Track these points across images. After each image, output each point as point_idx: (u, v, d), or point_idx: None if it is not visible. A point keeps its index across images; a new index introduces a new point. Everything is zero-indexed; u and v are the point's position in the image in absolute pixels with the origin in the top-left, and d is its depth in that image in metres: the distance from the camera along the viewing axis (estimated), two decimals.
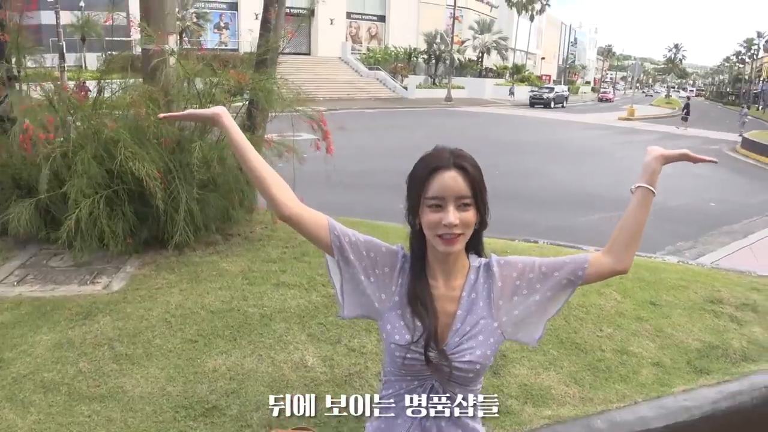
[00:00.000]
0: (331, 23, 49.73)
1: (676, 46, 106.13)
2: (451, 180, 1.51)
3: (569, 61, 78.97)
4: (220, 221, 4.15)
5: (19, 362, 2.58)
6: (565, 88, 50.28)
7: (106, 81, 4.48)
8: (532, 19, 57.85)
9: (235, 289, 3.21)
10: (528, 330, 1.63)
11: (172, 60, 4.46)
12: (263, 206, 4.49)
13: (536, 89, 45.11)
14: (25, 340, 2.75)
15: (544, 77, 58.52)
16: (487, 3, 49.28)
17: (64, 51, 17.16)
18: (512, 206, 7.90)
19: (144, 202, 3.81)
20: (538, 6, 57.14)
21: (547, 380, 2.67)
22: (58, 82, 4.31)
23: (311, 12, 49.84)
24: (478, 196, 1.52)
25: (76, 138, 3.83)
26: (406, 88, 44.73)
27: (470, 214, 1.50)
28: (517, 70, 54.61)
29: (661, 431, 2.42)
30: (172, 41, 4.72)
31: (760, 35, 67.66)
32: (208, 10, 39.73)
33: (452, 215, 1.49)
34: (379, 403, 1.77)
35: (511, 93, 44.74)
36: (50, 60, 4.91)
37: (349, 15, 51.86)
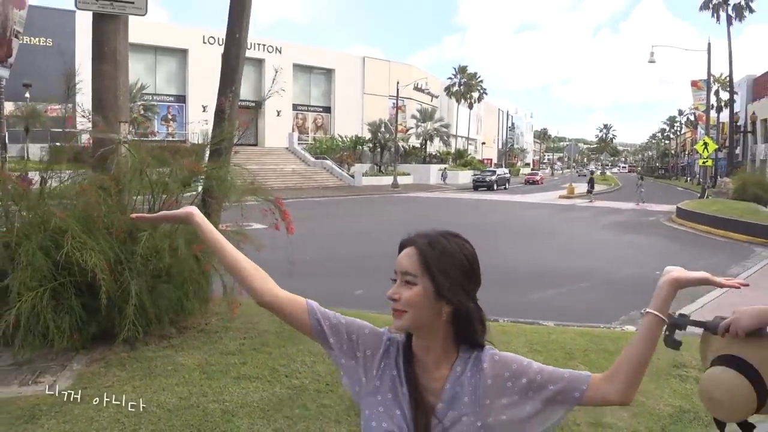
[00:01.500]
0: (278, 115, 50.76)
1: (606, 126, 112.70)
2: (404, 256, 1.45)
3: (508, 145, 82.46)
4: (173, 313, 3.96)
5: None
6: (506, 170, 52.23)
7: (52, 171, 4.34)
8: (471, 107, 60.69)
9: (192, 385, 3.01)
10: None
11: (123, 149, 4.40)
12: (218, 296, 4.33)
13: (479, 173, 46.66)
14: None
15: (485, 161, 60.78)
16: (428, 93, 51.42)
17: (6, 141, 16.88)
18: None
19: (93, 295, 3.60)
20: (476, 95, 60.12)
21: None
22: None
23: (259, 104, 50.86)
24: (428, 270, 1.44)
25: (20, 227, 3.65)
26: (353, 176, 45.51)
27: (412, 293, 1.41)
28: (460, 155, 56.60)
29: None
30: (125, 130, 4.66)
31: (681, 113, 72.77)
32: (155, 103, 40.05)
33: (393, 288, 1.43)
34: None
35: (443, 177, 45.96)
36: None
37: (295, 107, 53.19)
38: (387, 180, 44.19)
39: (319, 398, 2.91)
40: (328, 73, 55.08)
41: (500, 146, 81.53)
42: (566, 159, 79.35)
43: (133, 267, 3.60)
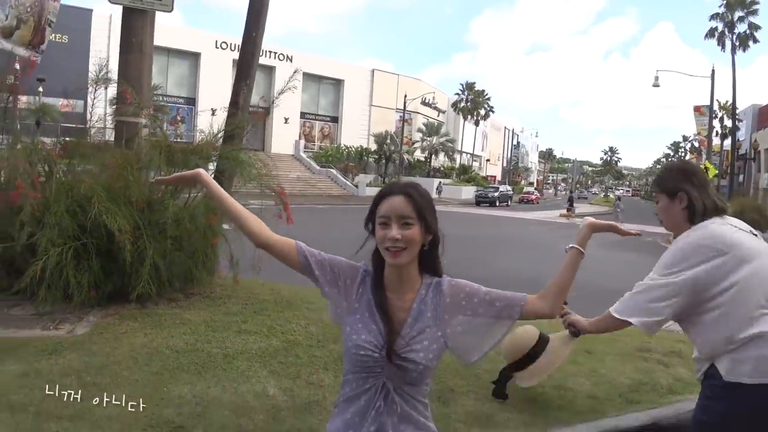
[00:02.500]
0: (286, 122, 51.18)
1: (611, 149, 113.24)
2: (396, 202, 1.87)
3: (513, 163, 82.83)
4: (182, 280, 4.32)
5: None
6: (509, 187, 52.46)
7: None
8: (477, 123, 61.11)
9: (198, 334, 3.37)
10: (467, 348, 1.92)
11: (145, 131, 4.81)
12: (224, 270, 4.70)
13: (482, 188, 46.92)
14: None
15: (489, 178, 61.10)
16: (435, 108, 51.98)
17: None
18: None
19: (111, 258, 3.97)
20: (482, 112, 60.52)
21: (491, 409, 2.89)
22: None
23: (267, 110, 51.35)
24: (422, 217, 1.87)
25: (53, 193, 4.03)
26: (356, 186, 45.80)
27: (412, 232, 1.84)
28: (464, 170, 56.92)
29: None
30: (146, 116, 5.05)
31: (685, 138, 73.15)
32: (165, 104, 40.61)
33: (395, 231, 1.83)
34: (338, 403, 2.02)
35: (438, 191, 46.20)
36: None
37: (303, 115, 53.63)
38: None
39: (310, 350, 3.26)
40: (337, 83, 55.56)
41: (505, 164, 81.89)
42: (570, 180, 79.55)
43: (150, 234, 3.97)
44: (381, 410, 1.88)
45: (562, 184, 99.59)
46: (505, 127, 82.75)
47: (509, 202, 46.69)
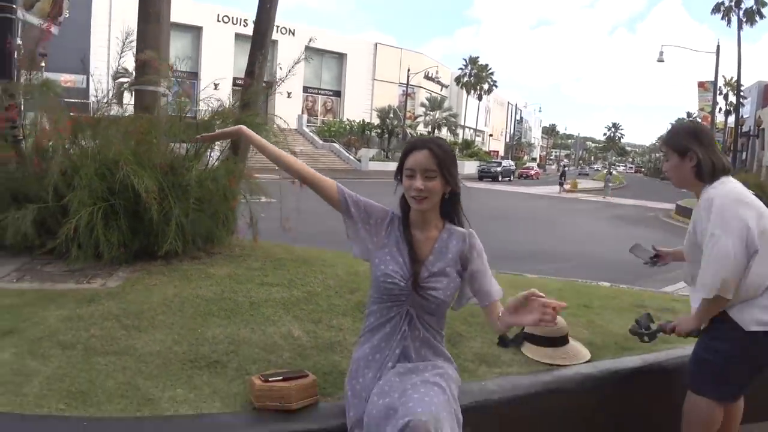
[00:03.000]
0: (288, 96, 50.99)
1: (614, 125, 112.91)
2: (421, 156, 2.18)
3: (516, 139, 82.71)
4: (204, 239, 4.54)
5: (34, 329, 2.90)
6: (512, 163, 52.53)
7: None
8: (480, 98, 60.91)
9: (224, 286, 3.61)
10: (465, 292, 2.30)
11: (164, 100, 5.02)
12: (243, 231, 4.94)
13: (485, 163, 47.03)
14: (36, 314, 3.08)
15: (492, 153, 61.13)
16: (438, 82, 51.85)
17: (22, 109, 17.41)
18: None
19: (137, 218, 4.19)
20: (486, 86, 60.29)
21: (497, 351, 3.14)
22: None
23: (269, 85, 51.05)
24: (444, 170, 2.16)
25: (78, 157, 4.25)
26: (359, 161, 45.89)
27: (434, 183, 2.16)
28: (467, 145, 56.93)
29: (597, 382, 2.93)
30: (165, 84, 5.26)
31: (689, 115, 72.96)
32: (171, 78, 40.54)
33: (419, 182, 2.14)
34: (363, 333, 2.30)
35: None
36: None
37: (305, 89, 53.50)
38: (393, 165, 44.11)
39: (329, 300, 3.50)
40: (340, 57, 55.33)
41: (508, 139, 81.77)
42: (573, 156, 79.47)
43: (174, 195, 4.19)
44: (405, 334, 2.18)
45: (565, 160, 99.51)
46: (509, 102, 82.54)
47: (512, 176, 46.92)
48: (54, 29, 5.44)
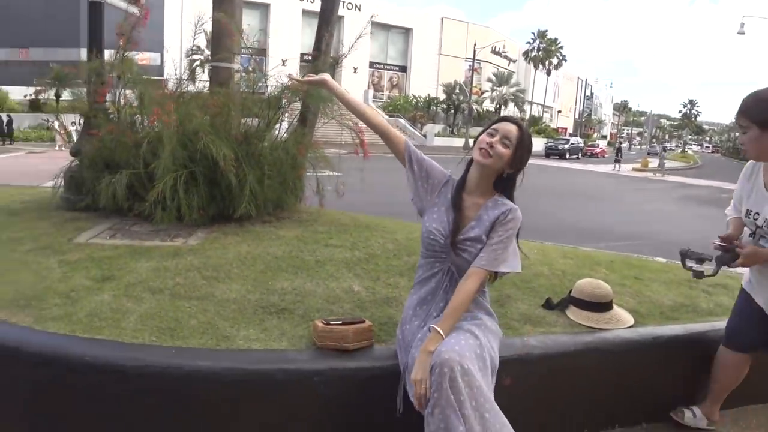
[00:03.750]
0: (355, 71, 51.30)
1: (690, 102, 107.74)
2: (510, 127, 2.41)
3: (585, 115, 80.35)
4: (274, 206, 4.90)
5: (127, 277, 3.31)
6: (580, 140, 51.18)
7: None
8: (548, 73, 59.43)
9: (292, 246, 3.94)
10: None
11: (237, 76, 5.38)
12: (309, 199, 5.28)
13: (552, 140, 46.11)
14: (128, 265, 3.50)
15: (560, 130, 59.69)
16: (506, 57, 50.95)
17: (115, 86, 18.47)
18: (530, 238, 8.70)
19: (214, 184, 4.57)
20: (554, 61, 58.71)
21: (543, 313, 3.32)
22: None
23: (336, 60, 51.54)
24: (517, 149, 2.38)
25: (163, 129, 4.66)
26: (425, 136, 45.87)
27: (505, 151, 2.37)
28: (534, 121, 55.89)
29: (636, 346, 3.08)
30: (237, 62, 5.62)
31: None
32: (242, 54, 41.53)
33: (494, 140, 2.36)
34: (414, 285, 2.56)
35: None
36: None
37: (372, 64, 53.62)
38: (458, 141, 44.55)
39: (387, 261, 3.78)
40: (406, 32, 55.07)
41: (577, 116, 79.56)
42: (646, 134, 76.48)
43: (248, 163, 4.55)
44: (447, 289, 2.42)
45: (637, 138, 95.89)
46: (578, 78, 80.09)
47: (579, 154, 45.79)
48: (135, 10, 5.86)
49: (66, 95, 5.94)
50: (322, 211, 5.08)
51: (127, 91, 5.20)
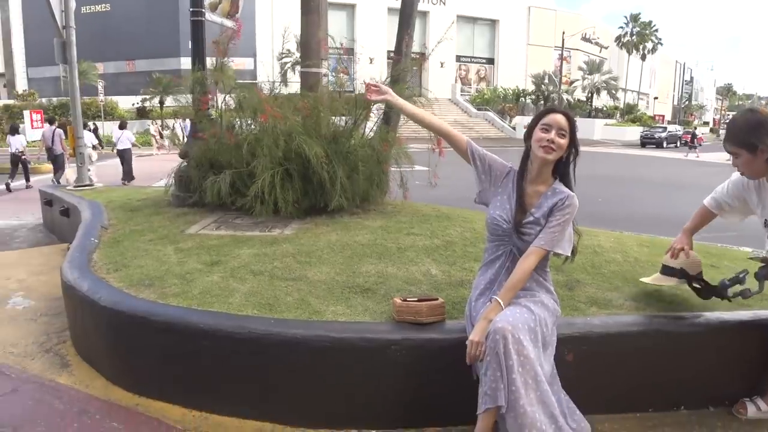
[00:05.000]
0: (442, 66, 51.27)
1: None
2: (558, 117, 2.65)
3: (684, 101, 76.20)
4: (361, 200, 5.29)
5: (232, 261, 3.81)
6: (679, 127, 48.61)
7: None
8: (643, 58, 56.82)
9: (376, 235, 4.31)
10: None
11: (324, 80, 5.82)
12: (393, 192, 5.64)
13: (648, 129, 44.17)
14: (233, 251, 4.00)
15: (657, 117, 56.89)
16: (597, 44, 49.29)
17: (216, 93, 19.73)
18: (612, 227, 8.65)
19: (307, 180, 5.01)
20: (649, 45, 56.07)
21: (610, 296, 3.44)
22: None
23: (423, 55, 51.83)
24: (572, 133, 2.61)
25: (259, 130, 5.16)
26: (514, 128, 45.24)
27: (564, 141, 2.61)
28: (629, 110, 53.71)
29: (702, 329, 3.14)
30: (325, 66, 6.07)
31: None
32: (330, 56, 42.69)
33: (553, 135, 2.60)
34: (481, 266, 2.84)
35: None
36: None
37: (458, 58, 53.41)
38: None
39: (464, 248, 4.07)
40: (492, 23, 54.43)
41: (675, 102, 75.59)
42: None
43: (337, 161, 4.95)
44: (510, 269, 2.68)
45: None
46: (677, 61, 75.96)
47: (678, 143, 43.52)
48: (230, 23, 6.44)
49: (169, 101, 6.58)
50: (405, 203, 5.42)
51: (227, 97, 5.74)
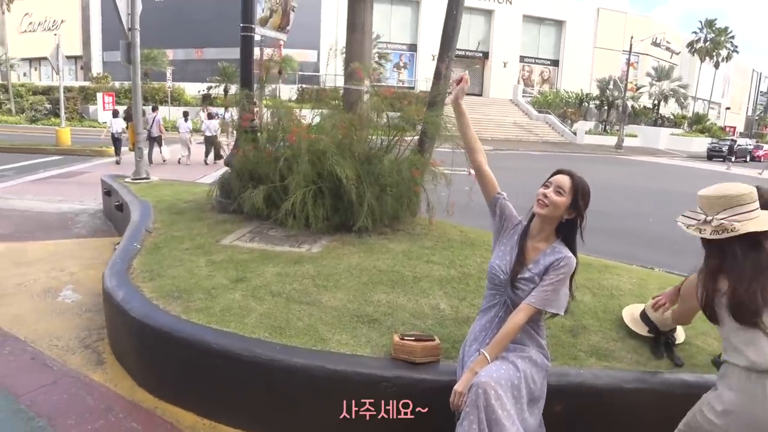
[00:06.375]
0: (504, 66, 50.72)
1: None
2: (561, 178, 2.75)
3: (759, 112, 72.73)
4: (391, 218, 5.45)
5: (256, 279, 4.06)
6: (751, 141, 46.45)
7: (305, 108, 6.04)
8: (717, 66, 54.52)
9: (396, 260, 4.47)
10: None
11: (366, 97, 5.98)
12: (424, 213, 5.78)
13: (716, 141, 42.50)
14: (258, 268, 4.25)
15: (728, 129, 54.55)
16: (667, 49, 47.64)
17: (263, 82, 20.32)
18: (658, 248, 8.55)
19: (338, 198, 5.21)
20: (724, 53, 53.74)
21: (614, 347, 3.43)
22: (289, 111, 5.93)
23: (485, 55, 51.83)
24: (573, 194, 2.68)
25: (295, 149, 5.39)
26: (575, 133, 44.33)
27: (560, 199, 2.69)
28: (698, 119, 51.71)
29: (698, 391, 3.18)
30: (368, 83, 6.24)
31: None
32: (389, 51, 42.94)
33: (549, 191, 2.69)
34: (479, 312, 2.96)
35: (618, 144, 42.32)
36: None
37: (522, 59, 52.68)
38: (611, 140, 42.53)
39: (479, 282, 4.18)
40: (559, 24, 53.35)
41: (749, 113, 72.26)
42: None
43: (368, 181, 5.13)
44: (502, 319, 2.79)
45: None
46: (753, 70, 72.55)
47: (748, 157, 41.64)
48: (283, 35, 6.69)
49: (234, 90, 6.93)
50: (435, 223, 5.54)
51: (267, 114, 6.01)
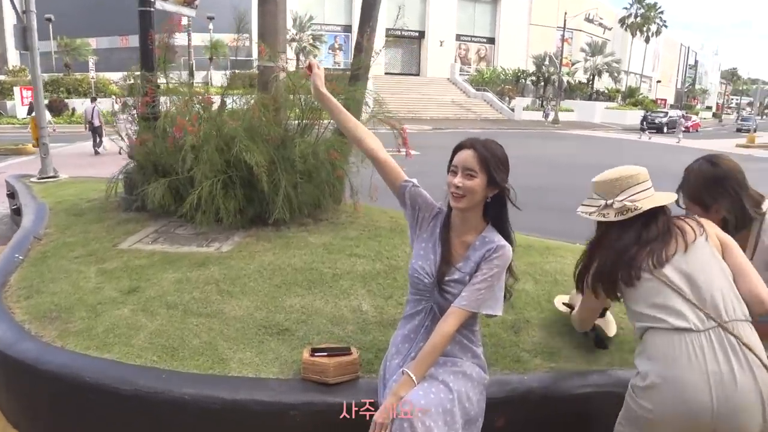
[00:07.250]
0: (441, 45, 50.56)
1: None
2: (465, 155, 2.24)
3: (688, 85, 75.28)
4: (311, 207, 4.94)
5: (150, 289, 3.48)
6: (681, 113, 47.91)
7: (228, 94, 5.46)
8: (647, 41, 55.94)
9: (316, 256, 3.97)
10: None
11: (282, 75, 5.40)
12: (348, 199, 5.28)
13: (649, 113, 43.57)
14: (156, 276, 3.67)
15: (659, 101, 56.13)
16: (600, 25, 48.34)
17: (194, 69, 19.32)
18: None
19: (251, 188, 4.65)
20: (654, 28, 55.15)
21: (560, 343, 3.08)
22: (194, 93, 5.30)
23: (421, 34, 51.35)
24: (486, 171, 2.19)
25: (202, 134, 4.79)
26: (512, 110, 44.75)
27: (474, 183, 2.20)
28: (630, 93, 53.00)
29: None
30: (282, 60, 5.65)
31: None
32: (323, 33, 42.05)
33: (458, 179, 2.20)
34: (402, 318, 2.49)
35: (546, 115, 43.64)
36: (181, 76, 5.90)
37: (458, 37, 52.65)
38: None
39: (407, 275, 3.73)
40: (494, 2, 53.51)
41: (679, 86, 74.70)
42: (757, 104, 70.58)
43: (283, 168, 4.60)
44: (429, 329, 2.32)
45: (747, 109, 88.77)
46: (681, 44, 74.85)
47: (682, 129, 42.82)
48: (190, 11, 6.04)
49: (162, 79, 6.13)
50: (362, 211, 5.06)
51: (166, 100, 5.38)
